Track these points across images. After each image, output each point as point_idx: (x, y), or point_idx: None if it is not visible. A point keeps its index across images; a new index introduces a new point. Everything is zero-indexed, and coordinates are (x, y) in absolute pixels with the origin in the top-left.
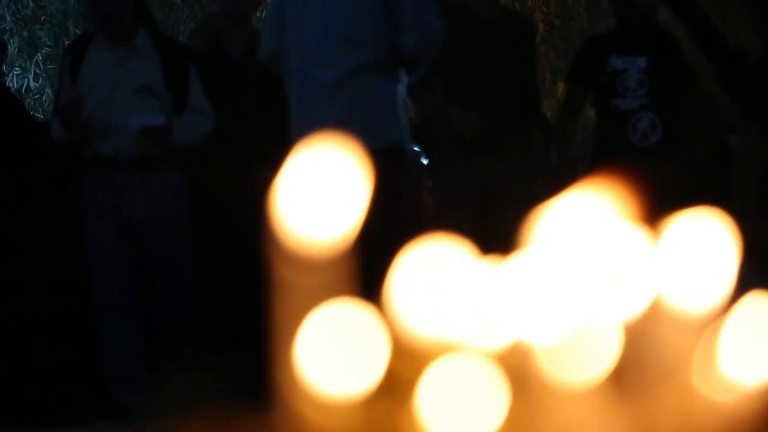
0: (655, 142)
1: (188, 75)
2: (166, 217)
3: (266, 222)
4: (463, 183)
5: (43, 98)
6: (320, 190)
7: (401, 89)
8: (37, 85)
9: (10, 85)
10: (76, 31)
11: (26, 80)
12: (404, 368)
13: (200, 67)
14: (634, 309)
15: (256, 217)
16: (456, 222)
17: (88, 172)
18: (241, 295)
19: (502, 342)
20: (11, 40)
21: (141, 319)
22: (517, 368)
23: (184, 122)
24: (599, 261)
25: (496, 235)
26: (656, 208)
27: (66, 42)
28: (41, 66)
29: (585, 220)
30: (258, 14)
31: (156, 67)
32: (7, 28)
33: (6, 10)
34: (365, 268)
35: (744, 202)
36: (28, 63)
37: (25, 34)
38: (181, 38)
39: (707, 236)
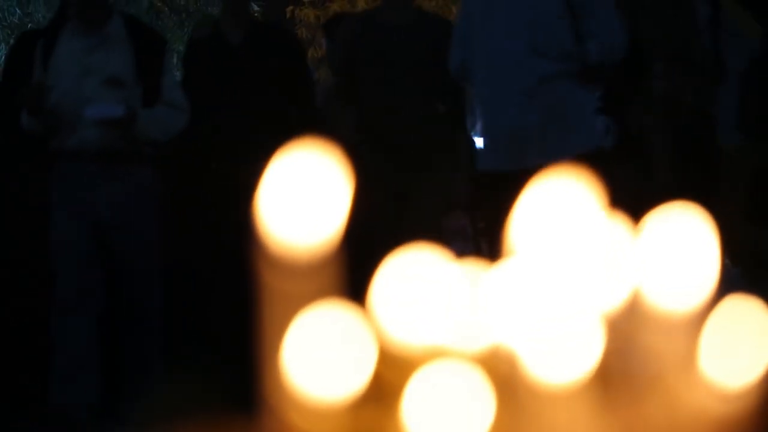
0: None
1: (162, 66)
2: (134, 214)
3: (252, 225)
4: (382, 188)
5: None
6: (304, 193)
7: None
8: None
9: None
10: None
11: None
12: (391, 374)
13: (199, 54)
14: (618, 309)
15: (245, 217)
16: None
17: (54, 164)
18: (228, 299)
19: (487, 346)
20: None
21: (106, 322)
22: (503, 372)
23: (155, 115)
24: (581, 258)
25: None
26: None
27: None
28: None
29: (564, 214)
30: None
31: (127, 57)
32: None
33: None
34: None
35: (732, 205)
36: None
37: (12, 42)
38: (168, 45)
39: (691, 235)
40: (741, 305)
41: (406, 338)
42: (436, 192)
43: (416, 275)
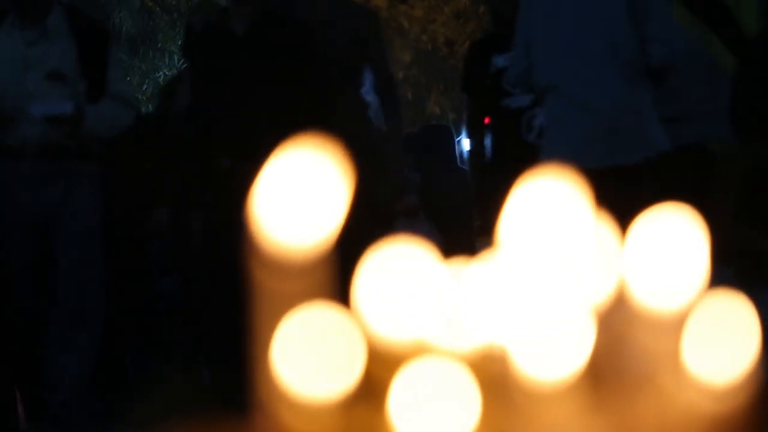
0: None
1: (107, 59)
2: (79, 214)
3: (246, 225)
4: None
5: None
6: (300, 193)
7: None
8: None
9: None
10: None
11: None
12: (381, 372)
13: (200, 43)
14: (608, 308)
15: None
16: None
17: None
18: (222, 299)
19: (477, 344)
20: None
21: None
22: (493, 370)
23: (100, 111)
24: (571, 256)
25: None
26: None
27: None
28: None
29: (554, 213)
30: None
31: (70, 51)
32: None
33: None
34: None
35: (724, 205)
36: None
37: None
38: (160, 45)
39: (681, 235)
40: (728, 303)
41: (394, 336)
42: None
43: (401, 270)
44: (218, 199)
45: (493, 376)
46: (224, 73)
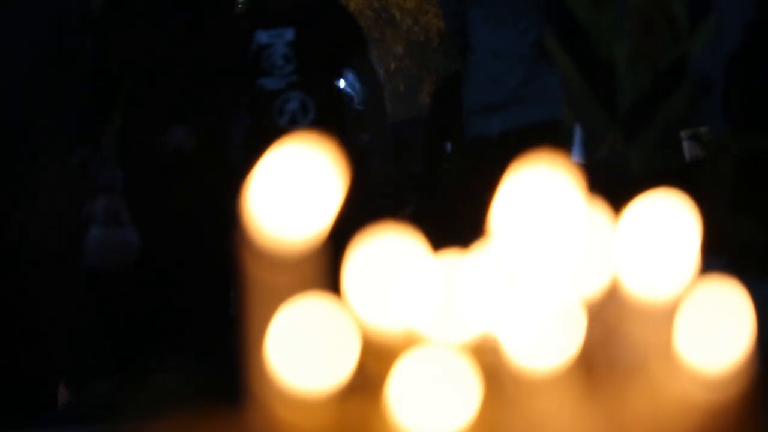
0: (306, 125)
1: None
2: None
3: (237, 219)
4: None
5: None
6: (293, 187)
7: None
8: None
9: None
10: None
11: None
12: (376, 364)
13: (113, 6)
14: (601, 298)
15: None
16: None
17: None
18: (213, 292)
19: (471, 334)
20: None
21: None
22: (488, 360)
23: None
24: (563, 247)
25: None
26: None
27: None
28: None
29: (546, 203)
30: None
31: None
32: None
33: None
34: None
35: (715, 198)
36: None
37: None
38: None
39: (672, 224)
40: (722, 292)
41: (387, 327)
42: None
43: (393, 262)
44: (134, 179)
45: (486, 366)
46: (137, 36)
